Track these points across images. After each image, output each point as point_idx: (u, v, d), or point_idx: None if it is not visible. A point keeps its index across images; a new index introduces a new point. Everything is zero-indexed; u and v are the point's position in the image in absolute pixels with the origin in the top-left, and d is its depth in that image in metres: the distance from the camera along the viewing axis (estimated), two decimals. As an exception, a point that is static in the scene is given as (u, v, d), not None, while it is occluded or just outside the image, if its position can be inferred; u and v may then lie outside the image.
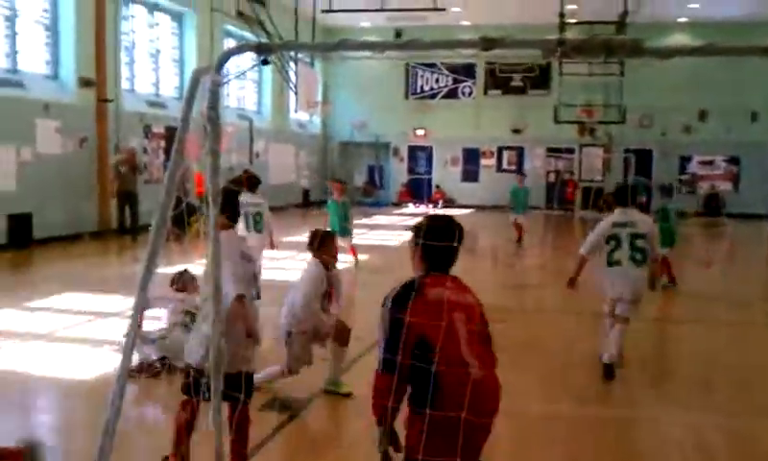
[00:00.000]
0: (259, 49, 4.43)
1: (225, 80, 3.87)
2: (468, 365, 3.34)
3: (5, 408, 6.43)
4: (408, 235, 3.85)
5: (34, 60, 16.99)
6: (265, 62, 21.24)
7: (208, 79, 3.80)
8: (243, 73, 23.53)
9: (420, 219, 3.74)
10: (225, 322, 4.48)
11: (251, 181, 10.03)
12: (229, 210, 4.85)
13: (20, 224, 15.60)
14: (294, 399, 6.48)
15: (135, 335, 3.93)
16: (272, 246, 10.40)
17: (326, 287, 6.56)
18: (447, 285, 3.49)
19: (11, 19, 16.26)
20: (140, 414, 6.26)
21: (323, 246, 6.54)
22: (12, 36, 16.32)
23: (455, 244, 3.58)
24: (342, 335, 6.64)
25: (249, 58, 21.87)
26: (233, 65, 24.41)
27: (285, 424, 6.02)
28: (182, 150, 3.96)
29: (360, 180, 32.84)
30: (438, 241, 3.55)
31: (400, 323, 3.32)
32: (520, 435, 5.84)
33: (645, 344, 8.95)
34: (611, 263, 7.47)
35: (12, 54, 16.32)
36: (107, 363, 7.24)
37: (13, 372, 7.29)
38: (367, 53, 27.61)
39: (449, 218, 3.72)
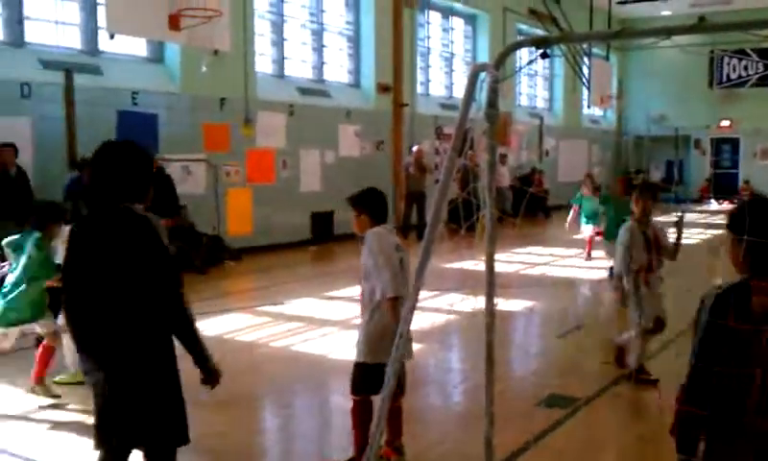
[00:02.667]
0: (537, 43, 4.39)
1: (503, 77, 3.88)
2: None
3: (303, 387, 7.11)
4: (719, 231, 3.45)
5: (338, 71, 18.34)
6: (544, 56, 21.02)
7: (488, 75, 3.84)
8: (521, 69, 23.41)
9: (735, 206, 2.91)
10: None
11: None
12: (372, 211, 5.12)
13: (323, 221, 16.90)
14: (569, 396, 6.33)
15: (409, 323, 4.07)
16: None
17: None
18: None
19: (318, 33, 17.69)
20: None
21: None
22: (319, 50, 17.75)
23: None
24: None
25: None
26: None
27: (562, 421, 5.87)
28: (459, 148, 4.04)
29: (657, 175, 31.18)
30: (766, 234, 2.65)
31: (716, 336, 2.65)
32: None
33: None
34: None
35: (319, 65, 17.74)
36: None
37: (312, 355, 7.99)
38: (665, 43, 26.07)
39: None
